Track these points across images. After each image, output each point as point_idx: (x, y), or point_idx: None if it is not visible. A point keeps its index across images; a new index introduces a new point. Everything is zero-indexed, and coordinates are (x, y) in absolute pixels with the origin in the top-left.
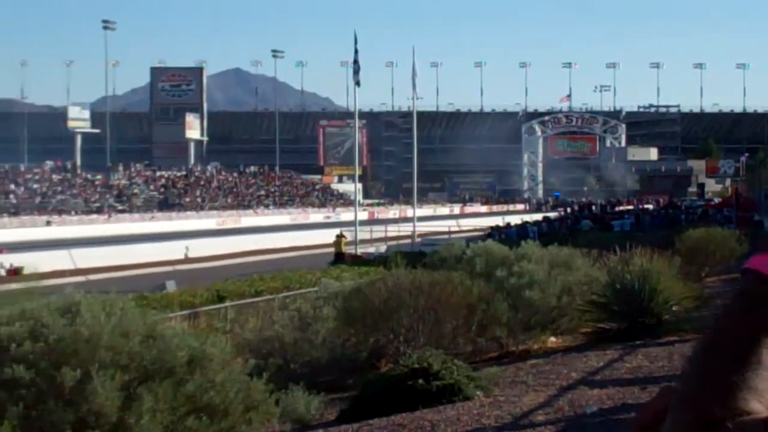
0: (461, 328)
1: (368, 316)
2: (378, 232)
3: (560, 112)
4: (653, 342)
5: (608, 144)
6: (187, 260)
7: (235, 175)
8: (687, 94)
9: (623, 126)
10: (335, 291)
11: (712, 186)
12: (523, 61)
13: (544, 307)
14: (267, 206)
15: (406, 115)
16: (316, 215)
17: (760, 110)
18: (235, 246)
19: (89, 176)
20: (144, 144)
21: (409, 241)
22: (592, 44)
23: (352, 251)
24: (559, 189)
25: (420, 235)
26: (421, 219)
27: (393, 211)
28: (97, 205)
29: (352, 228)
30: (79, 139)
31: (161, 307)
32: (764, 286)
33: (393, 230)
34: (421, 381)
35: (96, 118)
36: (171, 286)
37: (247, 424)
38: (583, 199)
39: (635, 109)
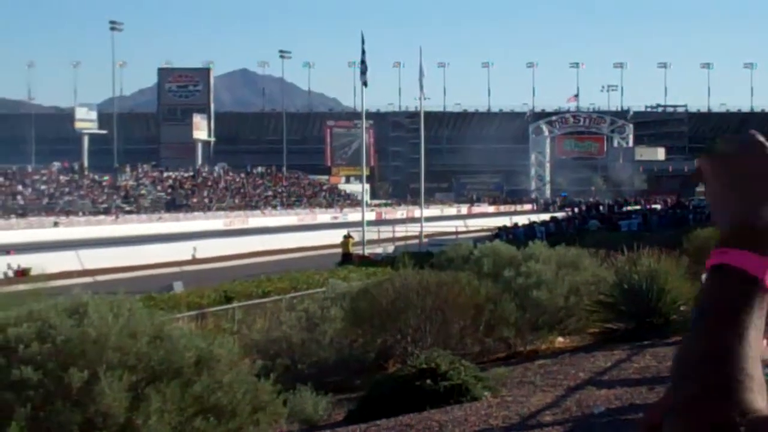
0: (469, 329)
1: (376, 316)
2: (385, 232)
3: (568, 112)
4: (661, 342)
5: (616, 144)
6: (195, 261)
7: (243, 175)
8: (694, 94)
9: (631, 126)
10: (343, 291)
11: None
12: (531, 61)
13: (552, 308)
14: (274, 207)
15: (414, 116)
16: (324, 216)
17: (767, 110)
18: (243, 247)
19: (96, 177)
20: (151, 145)
21: (416, 241)
22: (600, 44)
23: (360, 252)
24: (567, 189)
25: (427, 236)
26: (429, 219)
27: (400, 212)
28: (105, 206)
29: (360, 228)
30: (86, 140)
31: (169, 308)
32: (749, 286)
33: (400, 231)
34: (428, 381)
35: (103, 119)
36: (178, 286)
37: (255, 424)
38: (591, 199)
39: (643, 109)
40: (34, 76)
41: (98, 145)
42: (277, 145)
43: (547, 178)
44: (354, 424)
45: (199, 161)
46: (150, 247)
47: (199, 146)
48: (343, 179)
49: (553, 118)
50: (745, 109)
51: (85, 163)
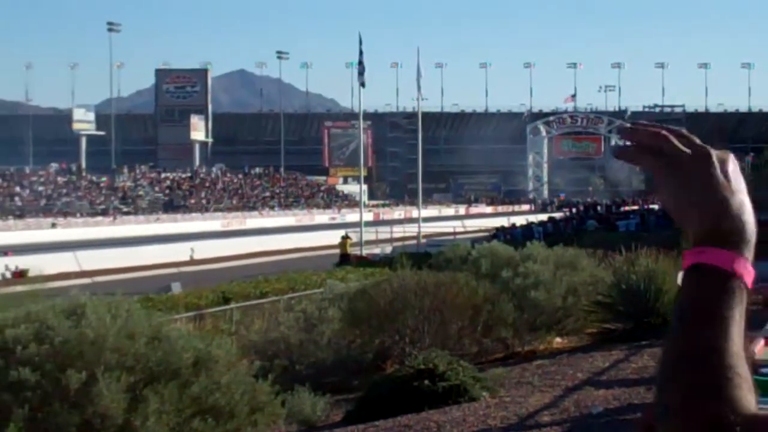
0: (467, 329)
1: (374, 317)
2: (383, 233)
3: (565, 112)
4: (659, 342)
5: (613, 144)
6: (193, 262)
7: (240, 176)
8: (692, 94)
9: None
10: (340, 292)
11: None
12: (528, 61)
13: (550, 308)
14: (272, 207)
15: (411, 116)
16: (321, 216)
17: (765, 110)
18: (241, 247)
19: (94, 178)
20: (149, 146)
21: (414, 242)
22: (597, 44)
23: (358, 252)
24: (564, 189)
25: (425, 236)
26: (426, 220)
27: (398, 212)
28: (102, 207)
29: (358, 229)
30: (84, 141)
31: (166, 309)
32: (726, 282)
33: (398, 231)
34: (426, 382)
35: (101, 120)
36: (176, 287)
37: (253, 425)
38: (588, 200)
39: (640, 109)
40: (32, 77)
41: (96, 146)
42: (274, 145)
43: (545, 178)
44: (352, 424)
45: (197, 162)
46: (148, 248)
47: (197, 147)
48: (340, 180)
49: (551, 118)
50: (743, 109)
51: (83, 164)
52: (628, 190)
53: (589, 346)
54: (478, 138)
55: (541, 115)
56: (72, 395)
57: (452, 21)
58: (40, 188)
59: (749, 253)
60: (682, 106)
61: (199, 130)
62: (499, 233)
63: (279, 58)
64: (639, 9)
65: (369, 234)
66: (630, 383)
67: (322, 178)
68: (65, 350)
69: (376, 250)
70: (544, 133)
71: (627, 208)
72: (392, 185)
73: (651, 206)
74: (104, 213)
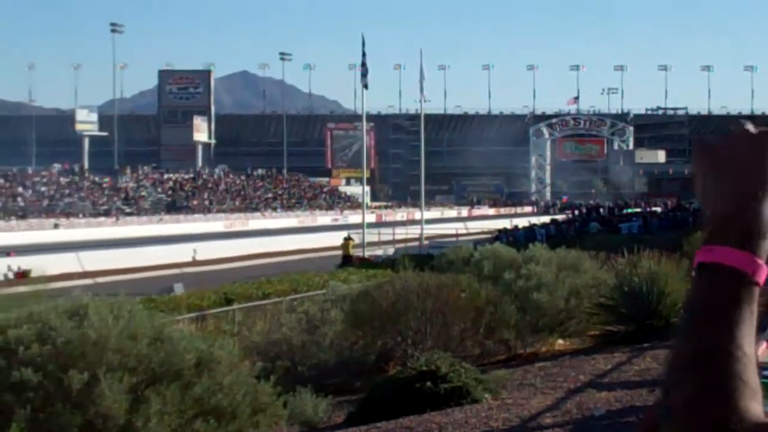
0: (469, 331)
1: (376, 318)
2: (386, 234)
3: (568, 114)
4: (661, 344)
5: (616, 147)
6: (195, 263)
7: (243, 177)
8: (695, 97)
9: (631, 128)
10: (343, 294)
11: None
12: (531, 63)
13: (552, 310)
14: (275, 209)
15: (414, 118)
16: (324, 218)
17: None
18: (243, 249)
19: (97, 179)
20: (152, 147)
21: (416, 243)
22: (600, 47)
23: (360, 254)
24: (567, 191)
25: (428, 238)
26: (429, 221)
27: (401, 214)
28: (105, 207)
29: (360, 231)
30: (86, 142)
31: (169, 310)
32: (735, 282)
33: (401, 233)
34: (429, 384)
35: (104, 121)
36: (179, 288)
37: (255, 426)
38: (591, 202)
39: (643, 111)
40: (35, 78)
41: (99, 147)
42: (277, 147)
43: (548, 180)
44: (354, 426)
45: (200, 163)
46: (150, 249)
47: (200, 148)
48: (343, 181)
49: (554, 120)
50: (746, 111)
51: (86, 165)
52: (631, 193)
53: (592, 348)
54: (481, 140)
55: (543, 118)
56: (74, 396)
57: (455, 23)
58: (43, 189)
59: (762, 250)
60: (685, 108)
61: (201, 131)
62: (501, 235)
63: (282, 59)
64: (642, 12)
65: (371, 235)
66: (632, 385)
67: (324, 180)
68: (67, 351)
69: (379, 252)
70: (546, 136)
71: (629, 210)
72: (395, 187)
73: (653, 209)
74: (107, 214)
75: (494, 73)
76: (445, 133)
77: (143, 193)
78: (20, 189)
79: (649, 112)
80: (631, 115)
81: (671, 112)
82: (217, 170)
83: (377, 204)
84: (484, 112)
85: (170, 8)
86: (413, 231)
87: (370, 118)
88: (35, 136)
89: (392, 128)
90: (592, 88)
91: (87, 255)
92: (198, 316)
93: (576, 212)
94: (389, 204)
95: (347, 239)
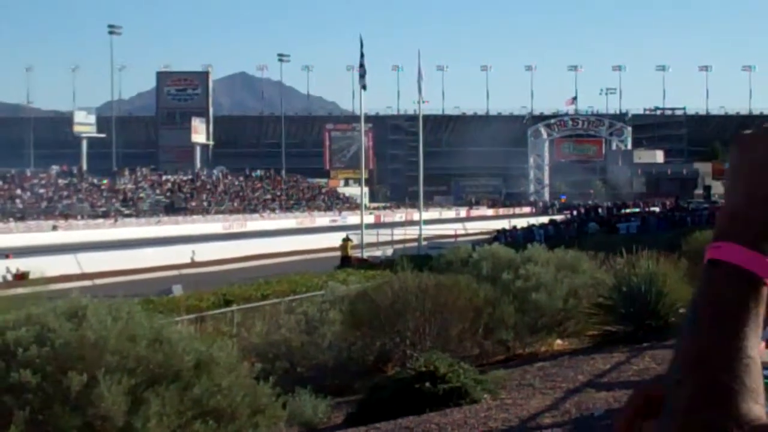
0: (468, 331)
1: (375, 319)
2: (384, 235)
3: (566, 115)
4: (660, 344)
5: (614, 147)
6: (194, 264)
7: (241, 179)
8: (693, 97)
9: (629, 129)
10: (342, 294)
11: (718, 188)
12: (529, 64)
13: (551, 310)
14: (273, 210)
15: (412, 119)
16: (323, 219)
17: (766, 112)
18: (242, 250)
19: (95, 181)
20: (150, 148)
21: (415, 244)
22: (598, 47)
23: (359, 255)
24: (566, 192)
25: (426, 239)
26: (428, 222)
27: (399, 215)
28: (103, 209)
29: (359, 231)
30: (85, 144)
31: (168, 312)
32: (741, 281)
33: (399, 233)
34: (428, 384)
35: (102, 123)
36: (177, 290)
37: (254, 428)
38: (590, 202)
39: (641, 111)
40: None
41: (97, 148)
42: (275, 148)
43: (546, 181)
44: (353, 426)
45: (198, 165)
46: (149, 251)
47: (198, 150)
48: (341, 182)
49: (552, 121)
50: (744, 111)
51: (84, 167)
52: (629, 193)
53: (590, 349)
54: (479, 140)
55: (542, 118)
56: (73, 397)
57: (453, 24)
58: (41, 191)
59: None
60: (683, 108)
61: (200, 133)
62: (500, 235)
63: (280, 60)
64: (640, 12)
65: (370, 236)
66: (631, 385)
67: (323, 181)
68: (66, 352)
69: (377, 253)
70: (545, 136)
71: (628, 210)
72: (393, 188)
73: (652, 209)
74: (105, 215)
75: (492, 73)
76: (443, 134)
77: (142, 195)
78: (18, 191)
79: (647, 113)
80: (630, 116)
81: (669, 112)
82: (215, 172)
83: (376, 205)
84: (482, 112)
85: (168, 10)
86: (412, 232)
87: (369, 119)
88: (33, 138)
89: (391, 129)
90: (590, 89)
91: (85, 257)
92: (197, 318)
93: (574, 212)
94: (388, 205)
95: (346, 240)
